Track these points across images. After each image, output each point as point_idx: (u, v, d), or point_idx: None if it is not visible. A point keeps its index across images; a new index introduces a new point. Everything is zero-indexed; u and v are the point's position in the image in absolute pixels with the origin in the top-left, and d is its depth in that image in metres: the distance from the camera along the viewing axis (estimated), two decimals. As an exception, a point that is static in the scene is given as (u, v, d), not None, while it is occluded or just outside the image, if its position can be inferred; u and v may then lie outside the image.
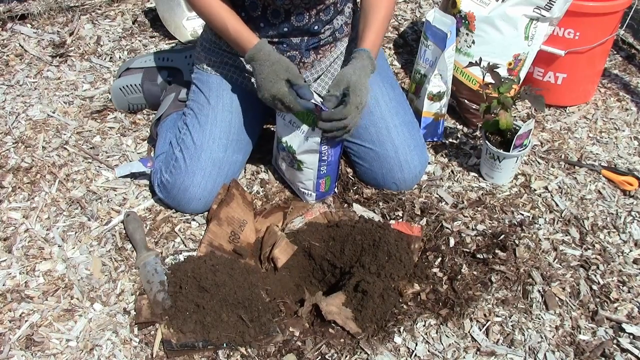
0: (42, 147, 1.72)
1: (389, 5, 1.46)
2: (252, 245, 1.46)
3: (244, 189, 1.56)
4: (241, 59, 1.53)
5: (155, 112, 1.83)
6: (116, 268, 1.40)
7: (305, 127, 1.41)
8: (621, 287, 1.38)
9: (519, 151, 1.55)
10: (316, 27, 1.46)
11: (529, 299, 1.35)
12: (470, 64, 1.60)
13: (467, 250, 1.45)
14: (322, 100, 1.36)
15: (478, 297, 1.35)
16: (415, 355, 1.24)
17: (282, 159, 1.54)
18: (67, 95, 1.92)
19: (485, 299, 1.34)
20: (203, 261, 1.33)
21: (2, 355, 1.22)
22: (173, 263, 1.38)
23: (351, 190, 1.61)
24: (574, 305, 1.35)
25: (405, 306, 1.33)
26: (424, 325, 1.30)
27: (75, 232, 1.48)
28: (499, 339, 1.28)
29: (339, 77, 1.36)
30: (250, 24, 1.44)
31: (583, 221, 1.53)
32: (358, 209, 1.55)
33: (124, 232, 1.48)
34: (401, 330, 1.28)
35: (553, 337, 1.28)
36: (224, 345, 1.24)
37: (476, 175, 1.67)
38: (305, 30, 1.46)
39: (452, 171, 1.68)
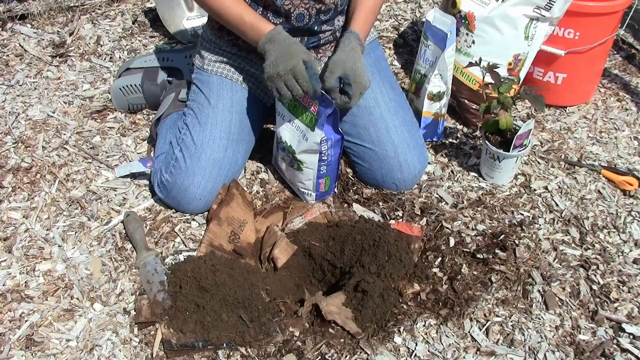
0: (42, 147, 1.72)
1: None
2: (252, 245, 1.46)
3: (244, 189, 1.56)
4: (241, 59, 1.54)
5: (155, 112, 1.83)
6: (116, 268, 1.40)
7: (304, 127, 1.41)
8: (621, 287, 1.38)
9: (519, 151, 1.55)
10: (316, 27, 1.47)
11: (529, 299, 1.35)
12: (470, 64, 1.60)
13: (467, 250, 1.45)
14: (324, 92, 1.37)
15: (478, 297, 1.35)
16: (415, 355, 1.24)
17: (282, 158, 1.54)
18: (67, 95, 1.92)
19: (485, 299, 1.34)
20: (203, 261, 1.33)
21: (2, 355, 1.22)
22: (173, 263, 1.38)
23: (351, 190, 1.61)
24: (574, 305, 1.35)
25: (405, 306, 1.33)
26: (424, 325, 1.29)
27: (75, 232, 1.48)
28: (499, 339, 1.28)
29: (332, 65, 1.36)
30: None
31: (583, 221, 1.53)
32: (358, 209, 1.55)
33: (124, 232, 1.48)
34: (401, 330, 1.28)
35: (553, 337, 1.28)
36: (224, 345, 1.24)
37: (476, 175, 1.67)
38: (306, 29, 1.46)
39: (452, 171, 1.68)
